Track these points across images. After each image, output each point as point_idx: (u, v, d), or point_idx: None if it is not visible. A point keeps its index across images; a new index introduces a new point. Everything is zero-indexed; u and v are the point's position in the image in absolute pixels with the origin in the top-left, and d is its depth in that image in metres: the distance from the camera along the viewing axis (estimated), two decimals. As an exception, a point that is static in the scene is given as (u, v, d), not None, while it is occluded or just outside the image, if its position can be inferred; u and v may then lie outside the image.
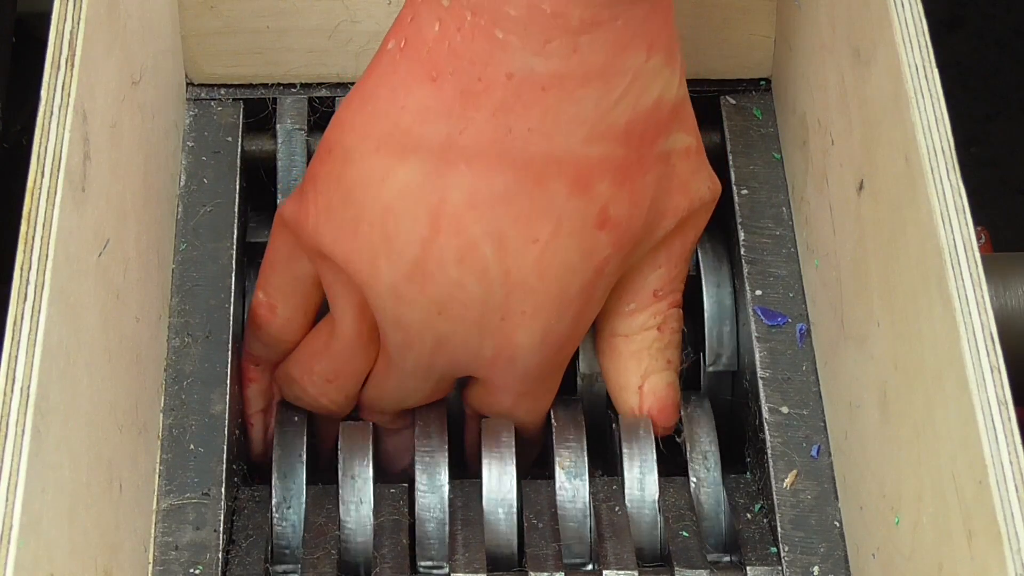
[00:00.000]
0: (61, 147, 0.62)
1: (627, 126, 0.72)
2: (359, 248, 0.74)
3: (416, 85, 0.71)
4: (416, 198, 0.72)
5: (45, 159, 0.62)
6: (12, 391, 0.56)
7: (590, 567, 0.77)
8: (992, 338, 0.59)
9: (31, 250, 0.60)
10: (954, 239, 0.62)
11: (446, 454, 0.79)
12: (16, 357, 0.57)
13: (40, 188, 0.61)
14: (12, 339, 0.57)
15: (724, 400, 0.83)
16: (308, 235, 0.76)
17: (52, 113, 0.63)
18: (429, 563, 0.77)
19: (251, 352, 0.82)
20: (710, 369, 0.83)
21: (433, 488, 0.77)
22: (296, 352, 0.81)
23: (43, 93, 0.64)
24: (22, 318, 0.58)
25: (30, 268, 0.59)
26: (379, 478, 0.78)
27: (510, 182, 0.71)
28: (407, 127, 0.71)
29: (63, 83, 0.64)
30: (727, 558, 0.76)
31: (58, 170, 0.62)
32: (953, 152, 0.64)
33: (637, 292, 0.79)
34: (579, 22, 0.68)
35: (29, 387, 0.56)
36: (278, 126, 0.86)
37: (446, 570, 0.76)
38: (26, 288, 0.59)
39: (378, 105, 0.72)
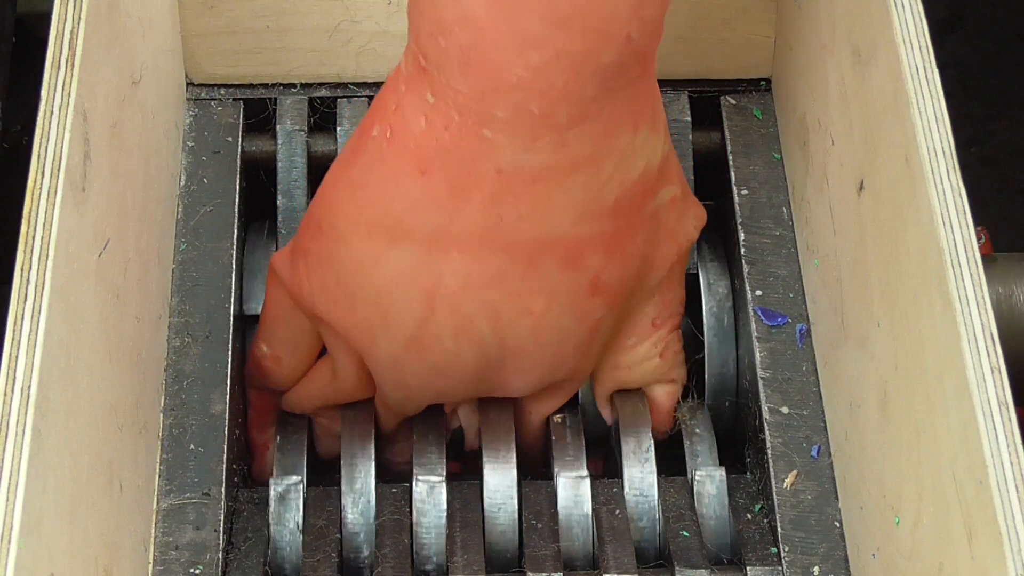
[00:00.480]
0: (61, 147, 0.62)
1: (616, 202, 0.72)
2: (356, 323, 0.75)
3: (405, 177, 0.71)
4: (410, 282, 0.73)
5: (45, 159, 0.62)
6: (12, 391, 0.56)
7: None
8: (993, 338, 0.59)
9: (31, 250, 0.60)
10: (954, 239, 0.62)
11: (444, 456, 0.79)
12: (16, 357, 0.57)
13: (40, 188, 0.61)
14: (12, 339, 0.57)
15: (724, 400, 0.83)
16: (304, 304, 0.77)
17: (52, 113, 0.63)
18: (428, 565, 0.77)
19: (258, 390, 0.83)
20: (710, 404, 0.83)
21: (432, 490, 0.77)
22: (294, 392, 0.82)
23: (43, 93, 0.64)
24: (22, 318, 0.58)
25: (30, 268, 0.59)
26: (380, 477, 0.78)
27: (502, 264, 0.72)
28: (397, 216, 0.72)
29: (63, 83, 0.64)
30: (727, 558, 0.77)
31: (58, 170, 0.62)
32: (953, 152, 0.64)
33: (635, 325, 0.80)
34: (567, 119, 0.67)
35: (29, 387, 0.56)
36: (278, 127, 0.85)
37: (445, 571, 0.76)
38: (26, 288, 0.59)
39: (366, 193, 0.72)
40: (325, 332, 0.78)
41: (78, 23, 0.66)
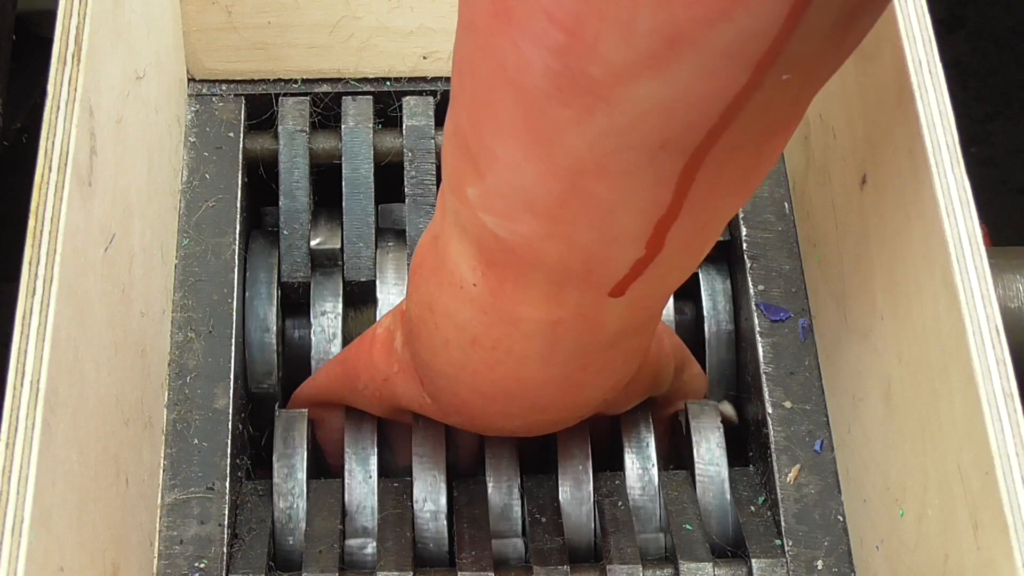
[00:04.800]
0: (68, 142, 0.62)
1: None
2: None
3: (394, 424, 0.80)
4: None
5: (52, 154, 0.62)
6: (22, 385, 0.56)
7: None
8: (998, 330, 0.60)
9: (39, 245, 0.60)
10: (959, 232, 0.62)
11: (444, 451, 0.79)
12: (25, 351, 0.57)
13: (48, 183, 0.61)
14: (21, 334, 0.57)
15: (727, 394, 0.83)
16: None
17: (59, 108, 0.63)
18: (430, 559, 0.77)
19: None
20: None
21: (433, 484, 0.77)
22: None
23: (50, 88, 0.64)
24: (31, 313, 0.58)
25: (38, 263, 0.59)
26: (381, 471, 0.79)
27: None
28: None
29: (70, 78, 0.64)
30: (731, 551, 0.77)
31: (65, 165, 0.62)
32: (957, 146, 0.64)
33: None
34: (551, 431, 0.75)
35: (39, 381, 0.56)
36: (280, 128, 0.85)
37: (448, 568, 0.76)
38: (35, 283, 0.59)
39: None
40: None
41: (84, 18, 0.66)
